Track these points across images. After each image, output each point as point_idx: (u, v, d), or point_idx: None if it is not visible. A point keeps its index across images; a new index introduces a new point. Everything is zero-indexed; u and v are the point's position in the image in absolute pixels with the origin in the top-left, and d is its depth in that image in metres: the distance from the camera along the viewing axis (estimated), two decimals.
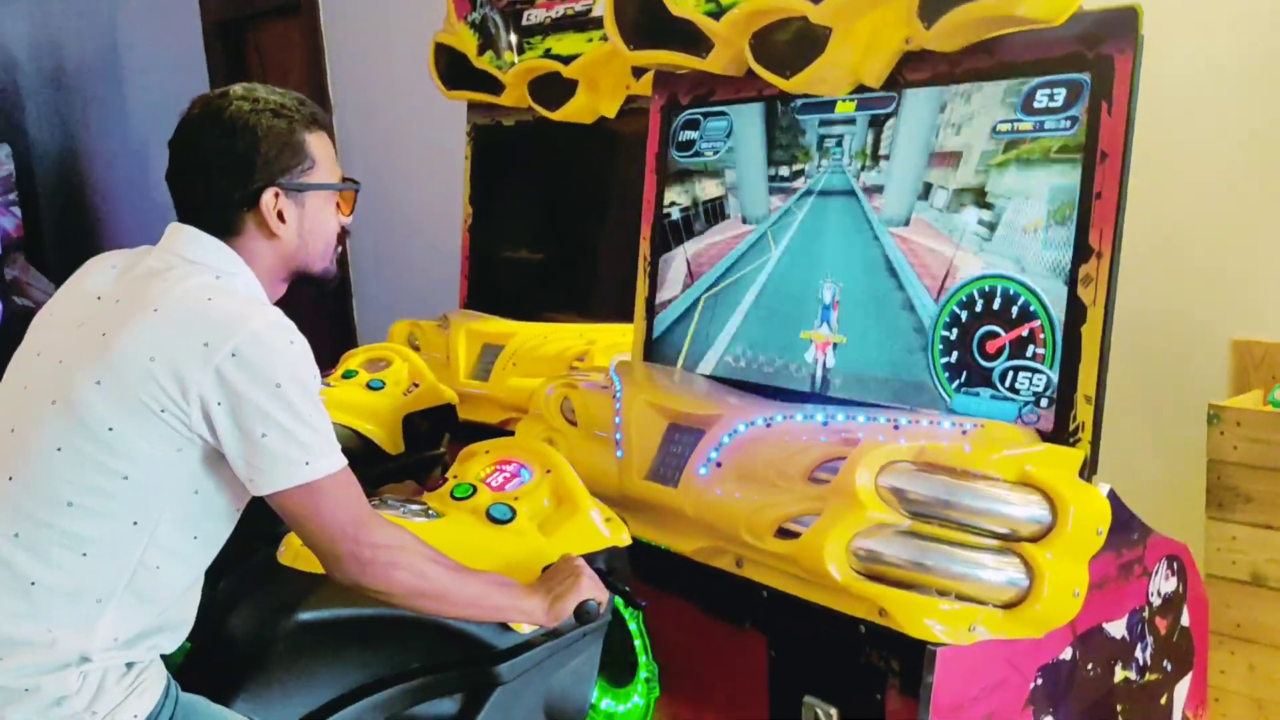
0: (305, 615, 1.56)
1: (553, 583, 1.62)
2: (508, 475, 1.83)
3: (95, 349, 1.42)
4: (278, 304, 1.58)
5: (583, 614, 1.60)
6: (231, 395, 1.38)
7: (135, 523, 1.42)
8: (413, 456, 2.54)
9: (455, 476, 1.86)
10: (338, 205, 1.63)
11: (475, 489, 1.80)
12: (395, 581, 1.47)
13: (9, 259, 6.06)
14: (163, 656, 1.51)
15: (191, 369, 1.38)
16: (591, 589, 1.61)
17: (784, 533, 1.74)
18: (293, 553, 1.65)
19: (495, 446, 1.91)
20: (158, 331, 1.41)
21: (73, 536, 1.39)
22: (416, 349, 2.97)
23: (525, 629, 1.65)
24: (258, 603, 1.62)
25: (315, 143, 1.58)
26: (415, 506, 1.75)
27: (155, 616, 1.47)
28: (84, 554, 1.40)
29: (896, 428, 1.79)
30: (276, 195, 1.53)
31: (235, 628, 1.61)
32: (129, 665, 1.44)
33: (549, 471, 1.82)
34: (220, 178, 1.52)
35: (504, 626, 1.65)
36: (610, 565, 1.74)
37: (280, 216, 1.54)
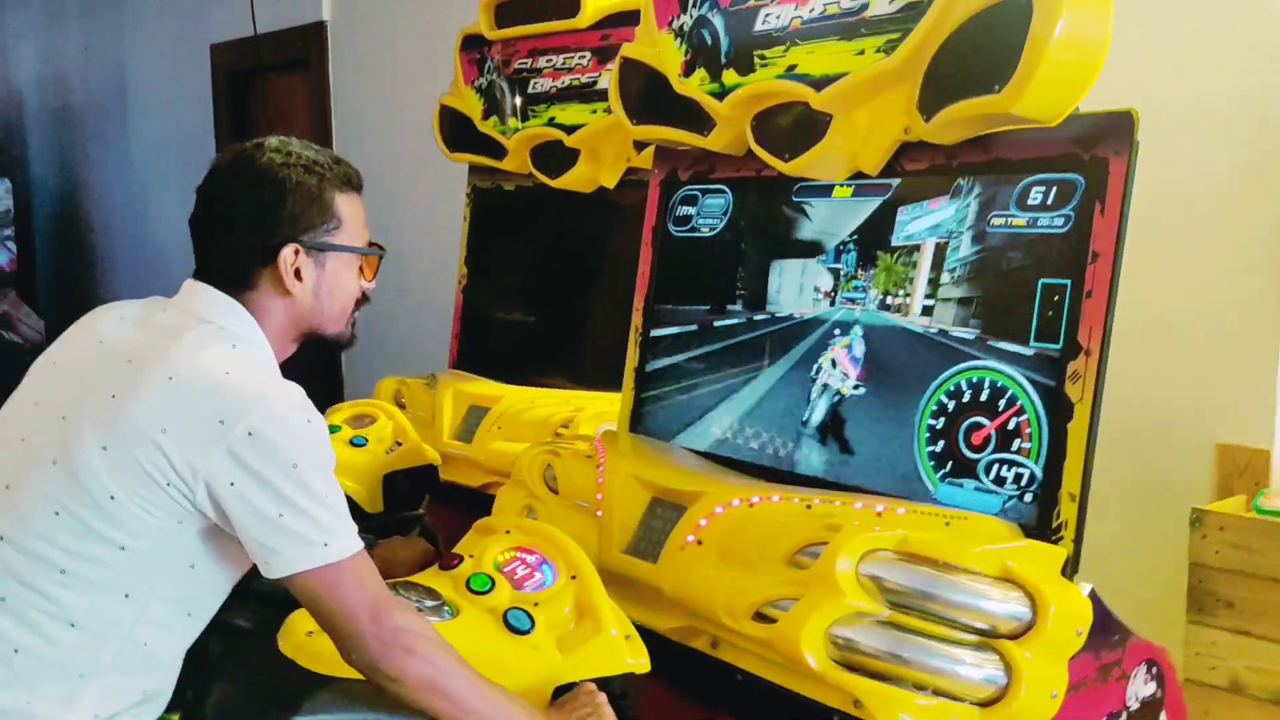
0: (302, 719, 1.49)
1: (572, 716, 1.54)
2: (528, 569, 1.74)
3: (103, 411, 1.37)
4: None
5: None
6: (246, 475, 1.34)
7: (127, 595, 1.38)
8: (391, 516, 2.52)
9: (470, 557, 1.78)
10: (360, 269, 1.59)
11: (493, 583, 1.71)
12: (410, 670, 1.41)
13: (0, 293, 6.05)
14: None
15: (202, 447, 1.34)
16: None
17: (762, 616, 1.72)
18: (294, 643, 1.57)
19: (516, 528, 1.85)
20: (171, 403, 1.36)
21: (62, 606, 1.35)
22: (403, 407, 2.96)
23: None
24: (255, 698, 1.56)
25: (344, 203, 1.55)
26: (430, 602, 1.66)
27: (138, 691, 1.42)
28: (72, 624, 1.35)
29: (879, 514, 1.78)
30: (296, 252, 1.50)
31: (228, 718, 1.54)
32: None
33: (574, 577, 1.75)
34: (241, 228, 1.50)
35: None
36: (624, 689, 1.67)
37: (298, 274, 1.51)
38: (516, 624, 1.65)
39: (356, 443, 2.60)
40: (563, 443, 2.38)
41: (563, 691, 1.62)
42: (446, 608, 1.66)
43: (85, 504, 1.35)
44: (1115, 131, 1.69)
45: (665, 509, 2.00)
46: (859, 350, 1.99)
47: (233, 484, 1.34)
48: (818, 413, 2.03)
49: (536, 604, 1.70)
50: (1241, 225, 2.49)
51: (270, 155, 1.51)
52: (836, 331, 2.03)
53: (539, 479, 2.24)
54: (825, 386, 2.03)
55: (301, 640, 1.55)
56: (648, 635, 1.93)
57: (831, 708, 1.63)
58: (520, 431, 2.66)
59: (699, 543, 1.88)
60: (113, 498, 1.35)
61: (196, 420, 1.35)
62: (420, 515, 2.59)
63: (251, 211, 1.49)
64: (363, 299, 1.63)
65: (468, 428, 2.83)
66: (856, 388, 1.98)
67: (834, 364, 2.02)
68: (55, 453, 1.38)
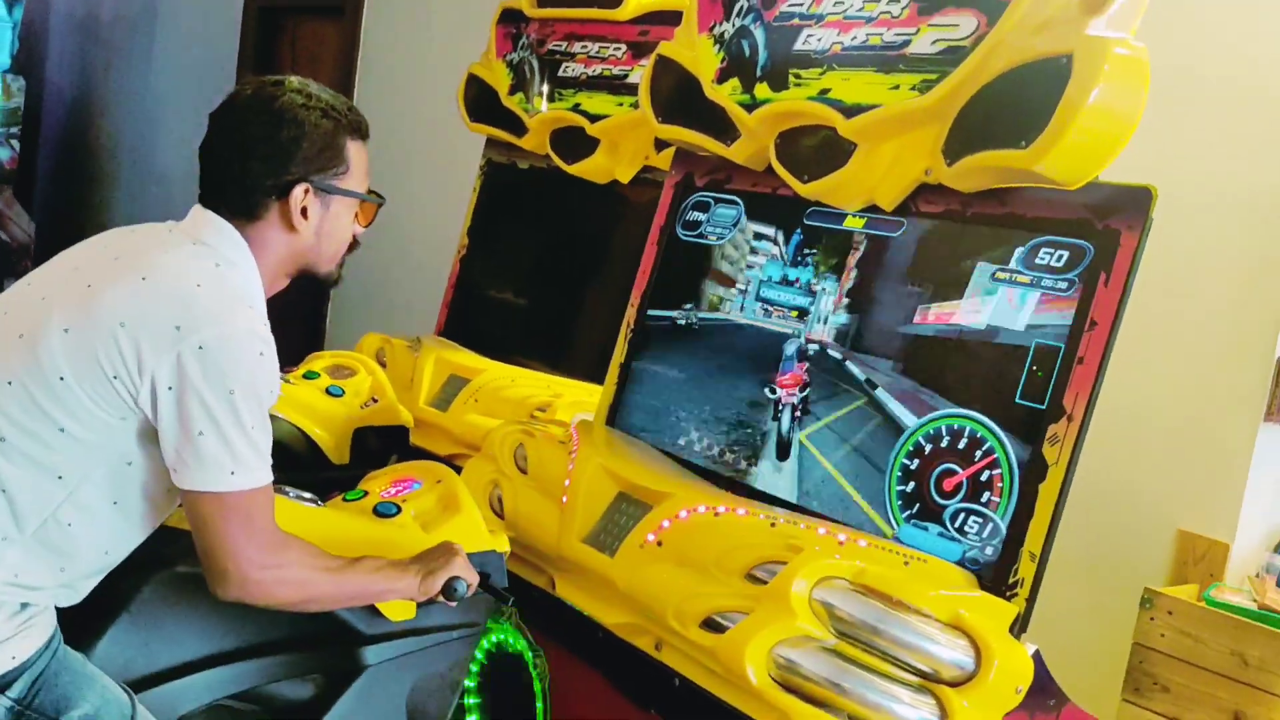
0: (181, 569, 1.55)
1: (426, 559, 1.65)
2: (401, 487, 1.88)
3: (76, 296, 1.43)
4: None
5: (450, 591, 1.63)
6: (183, 384, 1.39)
7: (60, 477, 1.42)
8: (356, 470, 2.51)
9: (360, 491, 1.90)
10: (357, 214, 1.66)
11: (366, 494, 1.85)
12: (278, 597, 1.51)
13: None
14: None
15: (155, 347, 1.39)
16: (463, 569, 1.65)
17: (711, 624, 1.72)
18: (180, 515, 1.62)
19: (400, 468, 1.97)
20: (137, 300, 1.41)
21: None
22: (384, 365, 2.96)
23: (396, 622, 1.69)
24: (138, 555, 1.59)
25: (354, 150, 1.61)
26: (307, 496, 1.78)
27: (58, 571, 1.45)
28: (1, 491, 1.39)
29: (841, 543, 1.78)
30: (306, 191, 1.56)
31: (112, 575, 1.58)
32: (23, 605, 1.42)
33: (440, 481, 1.89)
34: (258, 162, 1.54)
35: (373, 612, 1.68)
36: (486, 569, 1.75)
37: (304, 213, 1.57)
38: (384, 510, 1.80)
39: (333, 392, 2.60)
40: (537, 425, 2.38)
41: None
42: (318, 503, 1.79)
43: (36, 379, 1.40)
44: (1132, 205, 1.71)
45: (630, 505, 2.01)
46: (843, 380, 1.99)
47: (170, 388, 1.39)
48: (793, 435, 2.04)
49: (405, 500, 1.84)
50: (1236, 316, 2.51)
51: (291, 95, 1.56)
52: (826, 357, 2.04)
53: (509, 457, 2.24)
54: (806, 411, 2.03)
55: None
56: (594, 628, 1.94)
57: None
58: (497, 407, 2.66)
59: (659, 543, 1.88)
60: (62, 378, 1.39)
61: (156, 321, 1.40)
62: None
63: (270, 148, 1.54)
64: (354, 244, 1.68)
65: (445, 396, 2.82)
66: (832, 416, 1.99)
67: (817, 390, 2.03)
68: (24, 327, 1.43)
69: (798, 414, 2.04)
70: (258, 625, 1.65)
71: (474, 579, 1.67)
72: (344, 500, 1.85)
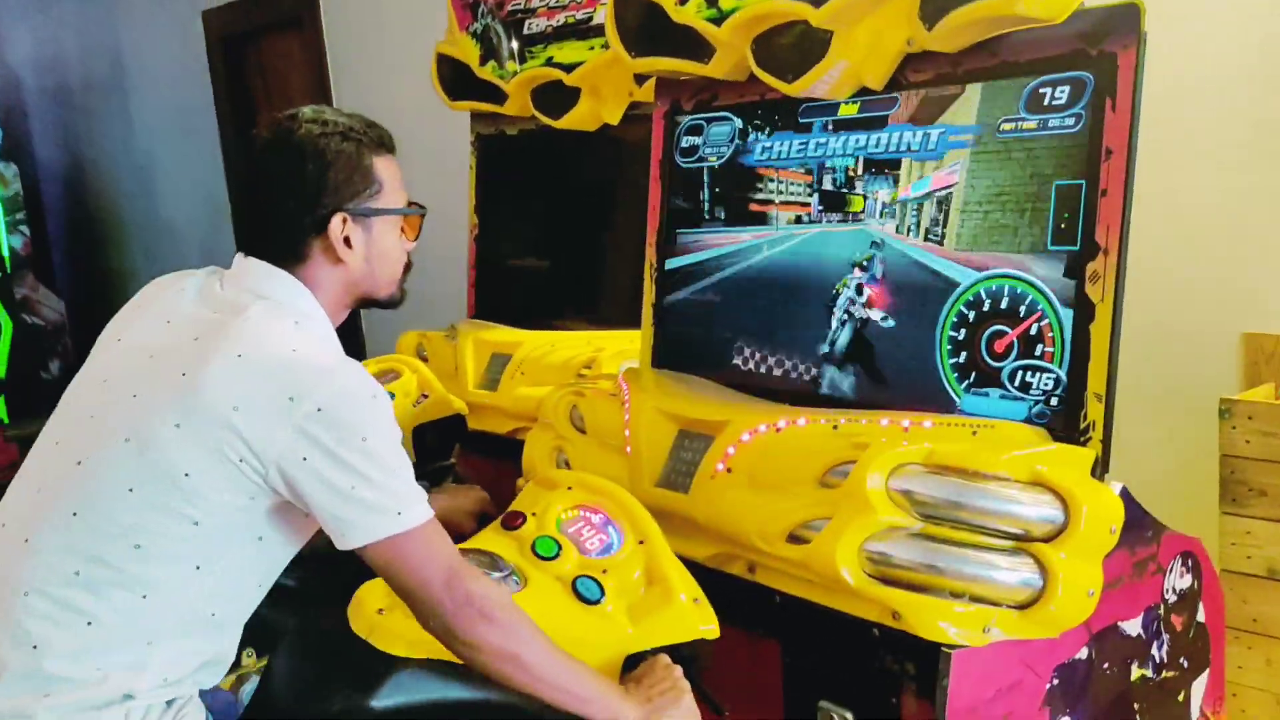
0: (378, 703, 1.46)
1: (651, 692, 1.53)
2: (594, 530, 1.72)
3: (175, 389, 1.39)
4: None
5: None
6: (318, 450, 1.36)
7: (198, 567, 1.40)
8: (423, 468, 2.54)
9: (534, 515, 1.76)
10: (403, 229, 1.62)
11: (560, 547, 1.69)
12: (488, 638, 1.42)
13: (18, 277, 6.08)
14: (202, 693, 1.49)
15: (275, 423, 1.36)
16: (691, 713, 1.53)
17: (795, 538, 1.74)
18: (367, 624, 1.55)
19: (578, 484, 1.83)
20: (241, 380, 1.37)
21: (135, 579, 1.37)
22: (425, 360, 2.98)
23: None
24: (327, 679, 1.52)
25: (383, 166, 1.57)
26: (497, 573, 1.64)
27: (204, 655, 1.45)
28: (144, 596, 1.38)
29: (905, 430, 1.78)
30: (344, 221, 1.52)
31: (300, 700, 1.51)
32: (169, 702, 1.42)
33: (642, 542, 1.72)
34: (289, 202, 1.51)
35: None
36: (695, 654, 1.65)
37: (347, 242, 1.53)
38: (586, 593, 1.63)
39: None
40: (586, 383, 2.39)
41: (634, 660, 1.62)
42: (514, 576, 1.64)
43: (160, 482, 1.37)
44: (1122, 24, 1.66)
45: (693, 440, 2.02)
46: (877, 269, 1.98)
47: (305, 459, 1.36)
48: (839, 334, 2.03)
49: (605, 570, 1.67)
50: (1258, 110, 2.45)
51: (307, 126, 1.52)
52: (853, 252, 2.02)
53: (566, 421, 2.26)
54: (845, 308, 2.02)
55: (374, 620, 1.54)
56: (685, 564, 1.96)
57: (871, 622, 1.65)
58: (543, 376, 2.67)
59: (729, 470, 1.89)
60: (187, 475, 1.36)
61: (266, 397, 1.36)
62: (452, 465, 2.62)
63: (297, 185, 1.51)
64: (408, 266, 1.66)
65: (491, 376, 2.84)
66: (876, 306, 1.98)
67: (853, 285, 2.01)
68: (128, 430, 1.39)
69: (841, 312, 2.03)
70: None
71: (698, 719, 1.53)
72: (535, 555, 1.67)
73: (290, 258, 1.52)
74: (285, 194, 1.51)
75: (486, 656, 1.43)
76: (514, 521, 1.78)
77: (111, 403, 1.44)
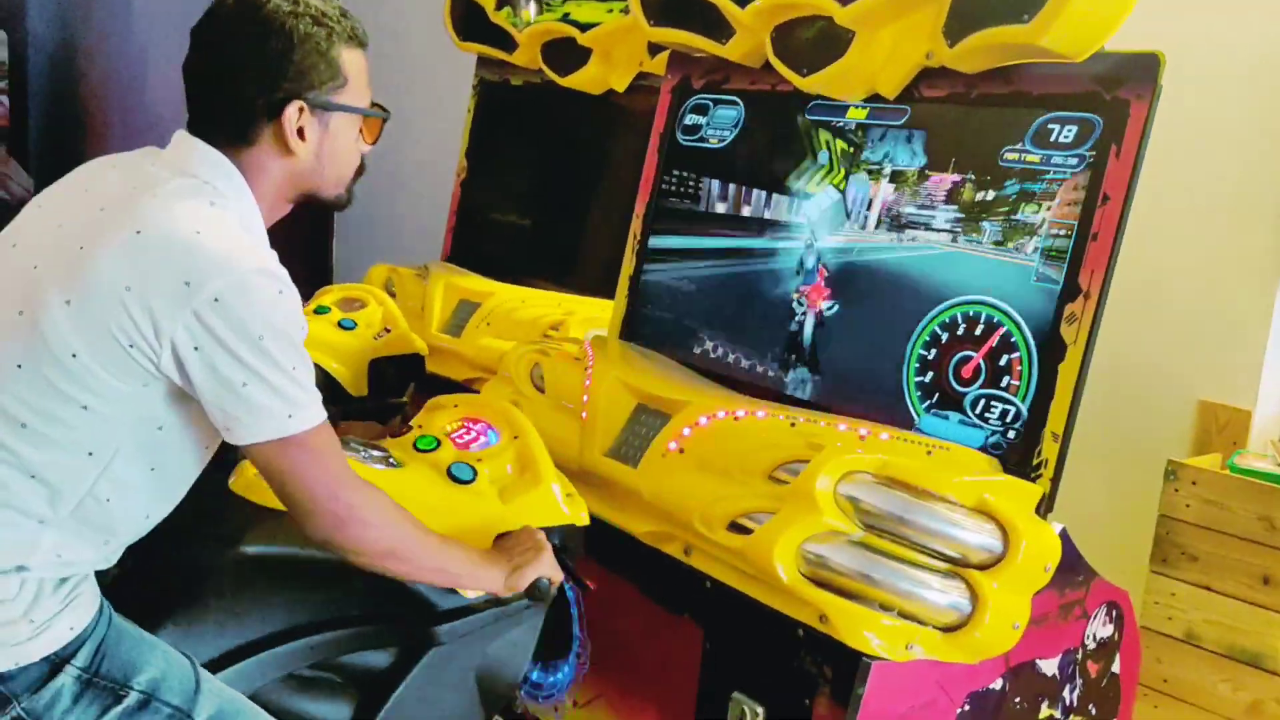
0: (249, 549, 1.52)
1: (513, 553, 1.59)
2: (474, 435, 1.79)
3: (70, 263, 1.32)
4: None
5: (535, 591, 1.58)
6: (209, 342, 1.29)
7: (90, 454, 1.35)
8: (375, 401, 2.52)
9: (420, 426, 1.82)
10: (361, 132, 1.52)
11: (439, 443, 1.76)
12: (368, 541, 1.43)
13: None
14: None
15: (168, 308, 1.28)
16: (549, 567, 1.60)
17: (737, 527, 1.74)
18: (244, 482, 1.60)
19: (464, 402, 1.88)
20: (136, 259, 1.30)
21: (21, 459, 1.31)
22: (393, 295, 2.95)
23: (470, 594, 1.63)
24: (201, 530, 1.57)
25: (351, 60, 1.47)
26: (377, 453, 1.71)
27: (101, 545, 1.41)
28: (31, 476, 1.32)
29: (862, 438, 1.79)
30: (301, 110, 1.43)
31: (174, 553, 1.55)
32: (63, 580, 1.38)
33: (516, 437, 1.79)
34: (245, 80, 1.41)
35: (450, 589, 1.62)
36: (565, 543, 1.72)
37: (300, 134, 1.44)
38: (459, 474, 1.70)
39: (345, 325, 2.59)
40: (552, 344, 2.38)
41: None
42: (392, 460, 1.71)
43: (47, 360, 1.30)
44: (1140, 73, 1.67)
45: (650, 416, 2.01)
46: (856, 274, 1.98)
47: (197, 349, 1.30)
48: (807, 334, 2.03)
49: (480, 459, 1.74)
50: (1251, 184, 2.47)
51: (277, 2, 1.41)
52: (834, 255, 2.02)
53: (526, 377, 2.24)
54: (817, 309, 2.02)
55: (251, 479, 1.55)
56: (622, 538, 1.95)
57: (797, 621, 1.66)
58: (510, 329, 2.65)
59: (681, 451, 1.89)
60: (74, 356, 1.30)
61: (161, 280, 1.29)
62: (404, 403, 2.59)
63: (256, 63, 1.40)
64: (361, 169, 1.57)
65: (457, 321, 2.82)
66: (848, 312, 1.98)
67: (829, 287, 2.01)
68: (21, 302, 1.33)
69: (812, 314, 2.03)
70: (329, 600, 1.61)
71: (559, 576, 1.62)
72: (415, 449, 1.75)
73: (235, 140, 1.42)
74: (241, 70, 1.40)
75: (366, 559, 1.45)
76: (398, 431, 1.86)
77: (14, 271, 1.37)
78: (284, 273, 1.36)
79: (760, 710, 1.73)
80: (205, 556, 1.55)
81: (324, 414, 1.39)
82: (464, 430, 1.80)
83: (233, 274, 1.30)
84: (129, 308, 1.29)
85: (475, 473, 1.71)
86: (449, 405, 1.87)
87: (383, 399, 2.54)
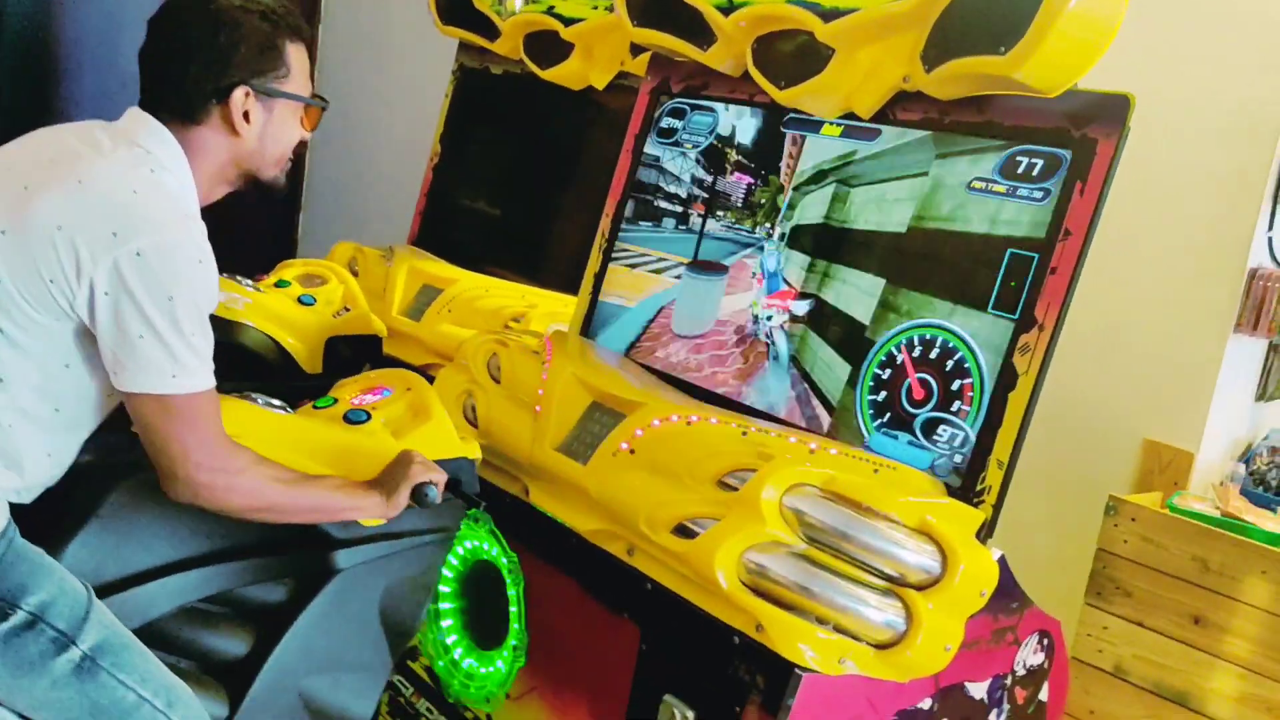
0: (149, 474, 1.55)
1: (387, 475, 1.67)
2: (372, 395, 1.89)
3: (13, 199, 1.44)
4: (224, 199, 1.62)
5: (421, 497, 1.64)
6: (121, 290, 1.40)
7: (1, 379, 1.44)
8: (329, 380, 2.50)
9: (335, 398, 1.91)
10: (302, 119, 1.66)
11: (336, 401, 1.85)
12: (230, 504, 1.53)
13: None
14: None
15: (92, 252, 1.40)
16: (425, 473, 1.66)
17: (682, 531, 1.74)
18: None
19: (371, 376, 1.98)
20: (73, 205, 1.43)
21: None
22: (356, 275, 2.93)
23: (370, 526, 1.69)
24: (103, 457, 1.62)
25: (294, 53, 1.62)
26: (276, 402, 1.78)
27: (5, 470, 1.48)
28: None
29: (812, 451, 1.80)
30: (248, 95, 1.56)
31: (77, 477, 1.60)
32: None
33: (410, 389, 1.89)
34: (197, 66, 1.54)
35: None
36: (458, 475, 1.77)
37: (246, 117, 1.57)
38: (354, 417, 1.80)
39: (304, 301, 2.57)
40: (512, 335, 2.37)
41: None
42: (285, 409, 1.78)
43: None
44: (1109, 113, 1.69)
45: (603, 414, 2.01)
46: (818, 288, 1.99)
47: (107, 294, 1.40)
48: (765, 344, 2.04)
49: (375, 407, 1.84)
50: (1209, 228, 2.52)
51: None
52: (799, 267, 2.04)
53: (483, 367, 2.24)
54: (777, 322, 2.03)
55: None
56: (565, 534, 1.96)
57: (733, 629, 1.67)
58: (470, 318, 2.65)
59: (631, 451, 1.89)
60: (1, 282, 1.41)
61: (91, 226, 1.41)
62: None
63: (208, 52, 1.54)
64: (300, 147, 1.69)
65: (418, 306, 2.80)
66: (806, 326, 1.99)
67: (791, 300, 2.03)
68: None
69: (772, 326, 2.04)
70: (229, 530, 1.66)
71: (441, 477, 1.68)
72: (314, 408, 1.85)
73: (185, 118, 1.55)
74: (193, 58, 1.54)
75: (236, 515, 1.55)
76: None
77: None
78: (208, 246, 1.48)
79: (690, 714, 1.73)
80: (104, 483, 1.61)
81: (211, 384, 1.49)
82: (364, 395, 1.89)
83: (159, 235, 1.42)
84: (57, 245, 1.41)
85: (369, 415, 1.81)
86: (357, 381, 1.97)
87: (336, 378, 2.51)
